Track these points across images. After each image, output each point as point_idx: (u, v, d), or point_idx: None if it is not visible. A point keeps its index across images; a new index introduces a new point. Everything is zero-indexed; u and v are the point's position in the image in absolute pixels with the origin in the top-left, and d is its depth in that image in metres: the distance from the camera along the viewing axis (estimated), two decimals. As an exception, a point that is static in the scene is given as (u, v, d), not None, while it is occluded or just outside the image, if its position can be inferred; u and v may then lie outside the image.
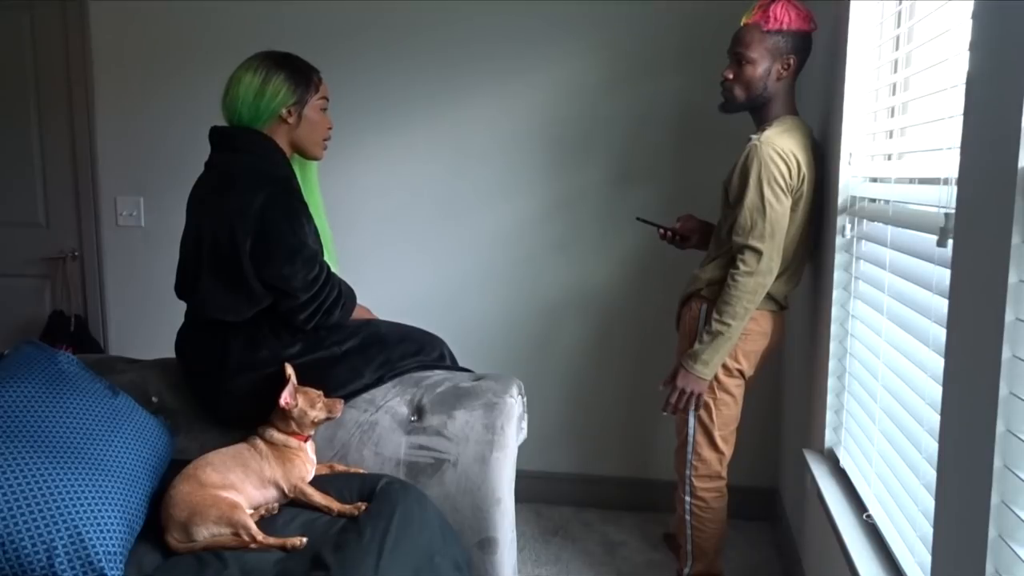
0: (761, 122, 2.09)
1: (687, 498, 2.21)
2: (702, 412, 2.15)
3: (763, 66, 2.02)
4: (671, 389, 2.12)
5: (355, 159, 2.98)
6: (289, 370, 1.77)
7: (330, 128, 1.96)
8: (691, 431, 2.17)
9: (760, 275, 1.98)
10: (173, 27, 3.07)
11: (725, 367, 2.11)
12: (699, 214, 2.40)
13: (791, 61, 2.03)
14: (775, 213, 1.96)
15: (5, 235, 3.31)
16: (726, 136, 2.51)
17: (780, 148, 1.97)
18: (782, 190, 1.96)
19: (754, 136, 2.02)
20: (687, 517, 2.23)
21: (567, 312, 2.97)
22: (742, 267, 1.98)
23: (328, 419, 1.77)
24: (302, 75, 1.88)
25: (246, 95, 1.83)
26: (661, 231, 2.35)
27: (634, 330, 2.92)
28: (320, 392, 1.77)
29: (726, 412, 2.16)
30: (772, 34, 1.99)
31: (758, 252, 1.97)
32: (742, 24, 2.05)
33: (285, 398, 1.70)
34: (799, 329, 2.43)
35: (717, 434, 2.16)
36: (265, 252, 1.76)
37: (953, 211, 1.19)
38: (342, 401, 1.79)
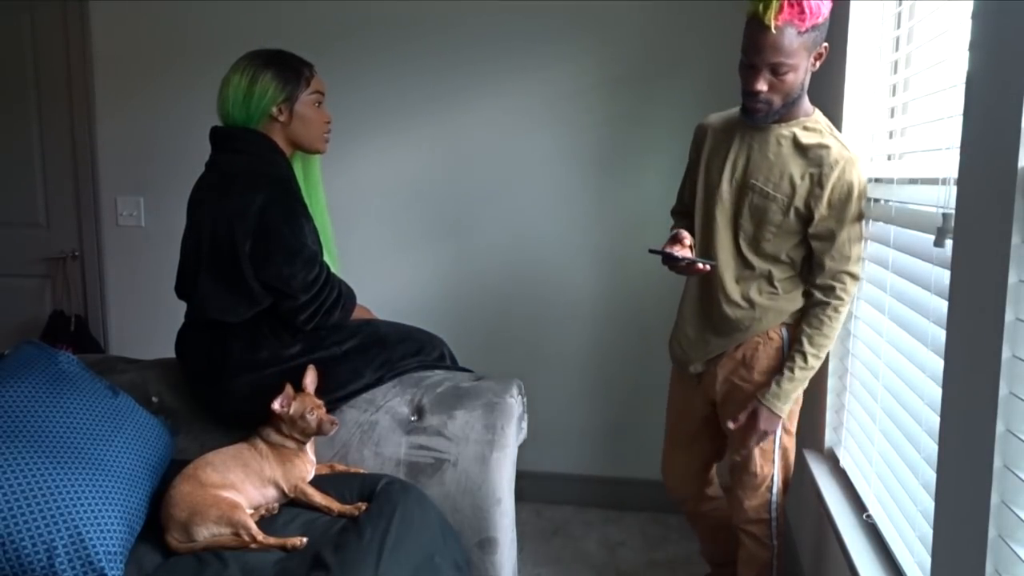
0: (788, 118, 1.79)
1: (774, 541, 1.98)
2: (779, 456, 1.92)
3: (803, 66, 1.71)
4: (752, 433, 1.84)
5: (356, 159, 2.97)
6: (309, 376, 1.77)
7: (328, 122, 1.95)
8: (775, 483, 1.94)
9: (851, 301, 1.82)
10: (173, 27, 3.06)
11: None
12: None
13: (823, 49, 1.73)
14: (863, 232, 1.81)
15: (5, 235, 3.31)
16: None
17: (860, 159, 1.77)
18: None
19: (832, 142, 1.76)
20: (774, 561, 1.99)
21: (567, 312, 2.97)
22: (845, 297, 1.78)
23: (318, 433, 1.74)
24: (291, 71, 1.86)
25: (236, 96, 1.83)
26: (681, 261, 1.83)
27: (634, 329, 2.92)
28: (321, 404, 1.74)
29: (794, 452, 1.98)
30: (808, 32, 1.66)
31: (856, 278, 1.79)
32: (770, 27, 1.63)
33: (279, 403, 1.70)
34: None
35: (791, 474, 1.98)
36: (264, 253, 1.76)
37: (950, 211, 1.19)
38: (337, 423, 1.76)
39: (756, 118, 1.78)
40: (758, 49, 1.67)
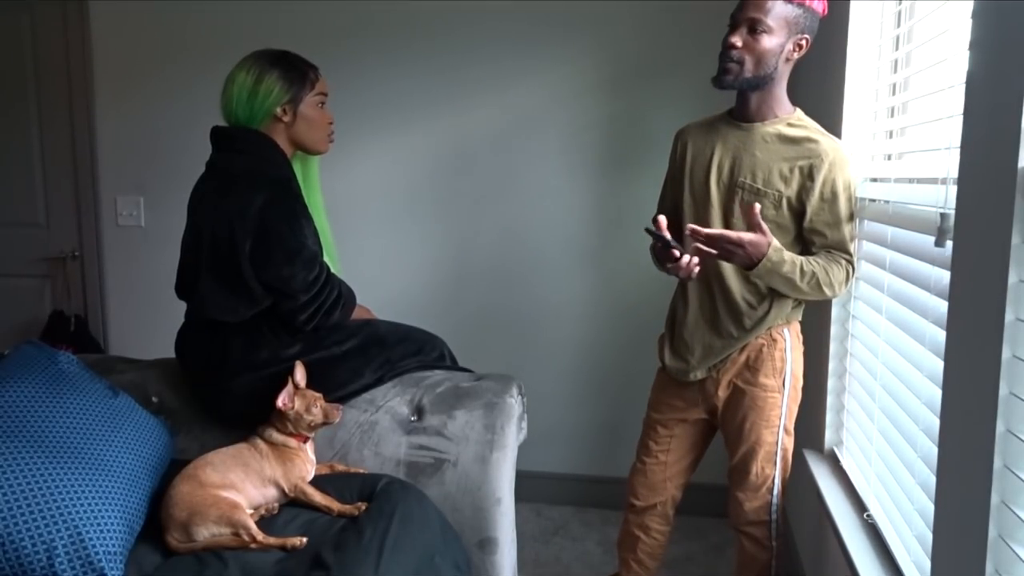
0: (769, 116, 1.82)
1: (773, 543, 1.96)
2: (780, 458, 1.91)
3: (779, 39, 1.73)
4: (737, 240, 1.70)
5: (356, 159, 2.97)
6: (299, 372, 1.77)
7: (331, 123, 1.95)
8: (776, 485, 1.93)
9: (845, 288, 1.82)
10: (173, 27, 3.07)
11: (791, 410, 1.90)
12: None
13: (805, 41, 1.76)
14: None
15: (5, 235, 3.31)
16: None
17: (850, 158, 1.80)
18: None
19: (820, 137, 1.79)
20: (773, 563, 1.98)
21: (567, 312, 2.97)
22: (851, 272, 1.80)
23: (325, 424, 1.76)
24: (296, 72, 1.86)
25: (240, 95, 1.83)
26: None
27: (636, 330, 2.92)
28: (320, 396, 1.76)
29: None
30: (794, 5, 1.71)
31: (854, 269, 1.81)
32: None
33: (283, 399, 1.71)
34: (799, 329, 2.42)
35: (788, 474, 1.96)
36: (264, 254, 1.76)
37: (951, 211, 1.19)
38: (340, 408, 1.78)
39: (726, 80, 1.77)
40: (744, 5, 1.74)
